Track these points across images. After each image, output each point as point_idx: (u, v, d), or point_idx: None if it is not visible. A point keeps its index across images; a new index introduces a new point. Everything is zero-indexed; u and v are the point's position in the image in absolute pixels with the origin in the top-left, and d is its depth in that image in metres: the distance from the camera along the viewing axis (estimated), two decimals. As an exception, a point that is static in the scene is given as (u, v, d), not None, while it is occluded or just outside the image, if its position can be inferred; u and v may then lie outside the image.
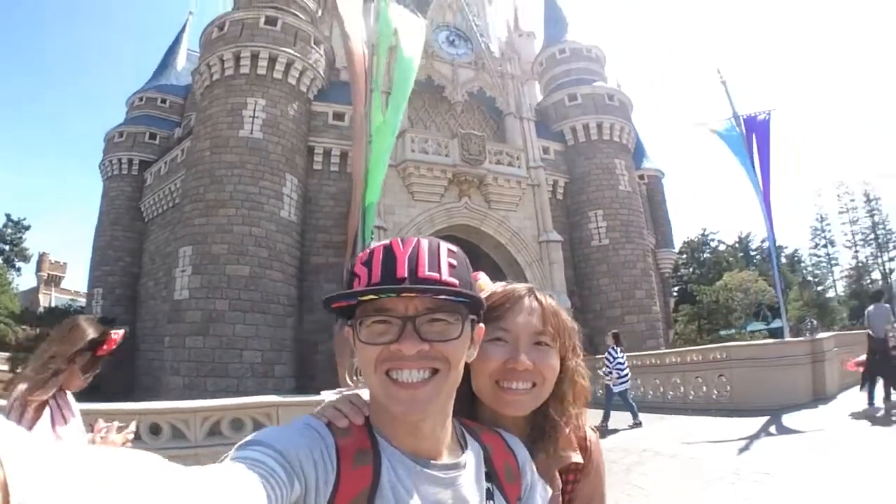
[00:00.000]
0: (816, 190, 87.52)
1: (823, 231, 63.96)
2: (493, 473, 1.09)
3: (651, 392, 15.70)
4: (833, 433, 9.05)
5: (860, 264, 61.30)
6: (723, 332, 41.76)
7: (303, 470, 0.85)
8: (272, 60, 22.74)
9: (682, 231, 65.98)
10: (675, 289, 47.99)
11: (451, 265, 0.99)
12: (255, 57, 22.62)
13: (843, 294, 62.47)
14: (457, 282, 0.97)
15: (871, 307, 10.91)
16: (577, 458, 1.36)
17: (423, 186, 23.95)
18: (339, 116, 24.29)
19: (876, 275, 59.76)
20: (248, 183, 20.70)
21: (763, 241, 61.09)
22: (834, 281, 64.17)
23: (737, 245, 64.92)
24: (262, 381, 18.18)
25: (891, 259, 58.89)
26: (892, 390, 10.10)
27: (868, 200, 60.62)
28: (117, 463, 0.52)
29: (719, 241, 64.26)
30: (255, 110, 21.91)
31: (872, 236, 60.28)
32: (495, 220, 25.64)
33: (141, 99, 33.86)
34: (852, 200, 61.44)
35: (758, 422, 10.56)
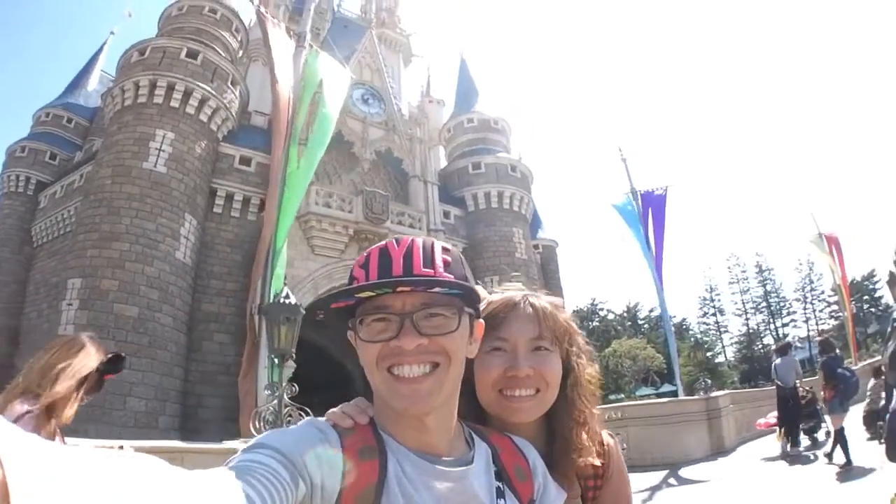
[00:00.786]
0: (707, 262, 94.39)
1: (713, 300, 69.43)
2: (502, 472, 1.11)
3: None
4: (737, 478, 9.95)
5: (751, 331, 66.47)
6: (612, 397, 43.57)
7: (307, 469, 0.87)
8: (187, 94, 22.69)
9: (573, 300, 69.09)
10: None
11: (445, 262, 1.03)
12: (170, 88, 22.53)
13: (732, 359, 67.13)
14: (451, 277, 1.01)
15: (778, 360, 11.79)
16: (594, 460, 1.38)
17: (324, 241, 24.39)
18: (245, 161, 24.45)
19: (768, 339, 64.76)
20: (146, 218, 20.21)
21: (651, 311, 65.40)
22: (723, 347, 69.26)
23: (625, 314, 68.58)
24: (146, 433, 17.12)
25: (784, 325, 65.65)
26: (802, 434, 11.26)
27: (760, 271, 67.35)
28: (118, 464, 0.53)
29: (608, 311, 67.87)
30: (162, 143, 21.65)
31: (764, 304, 65.88)
32: (394, 281, 26.45)
33: (47, 115, 33.08)
34: (744, 272, 67.35)
35: (658, 475, 11.23)
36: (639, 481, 10.58)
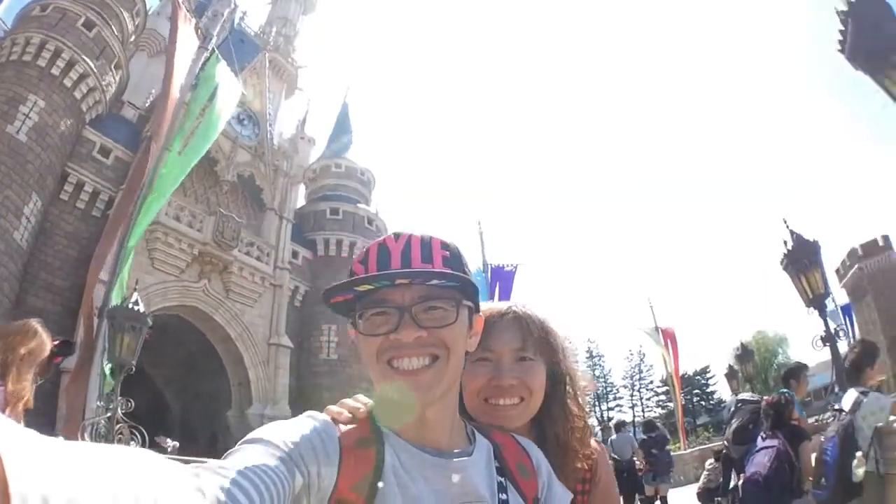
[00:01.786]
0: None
1: (541, 383, 74.89)
2: (505, 468, 1.13)
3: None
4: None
5: (577, 413, 72.88)
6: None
7: (303, 460, 0.87)
8: (70, 65, 21.75)
9: None
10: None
11: (444, 256, 1.05)
12: (56, 54, 21.49)
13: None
14: (450, 270, 1.02)
15: (614, 436, 12.72)
16: (584, 465, 1.43)
17: (166, 255, 23.37)
18: (105, 152, 23.31)
19: (592, 421, 69.33)
20: (-7, 187, 18.87)
21: None
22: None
23: None
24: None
25: (609, 408, 71.59)
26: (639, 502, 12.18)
27: (591, 356, 73.29)
28: (117, 458, 0.54)
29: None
30: (31, 110, 20.45)
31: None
32: (230, 312, 25.63)
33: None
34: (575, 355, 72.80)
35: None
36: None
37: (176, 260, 23.75)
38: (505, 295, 18.82)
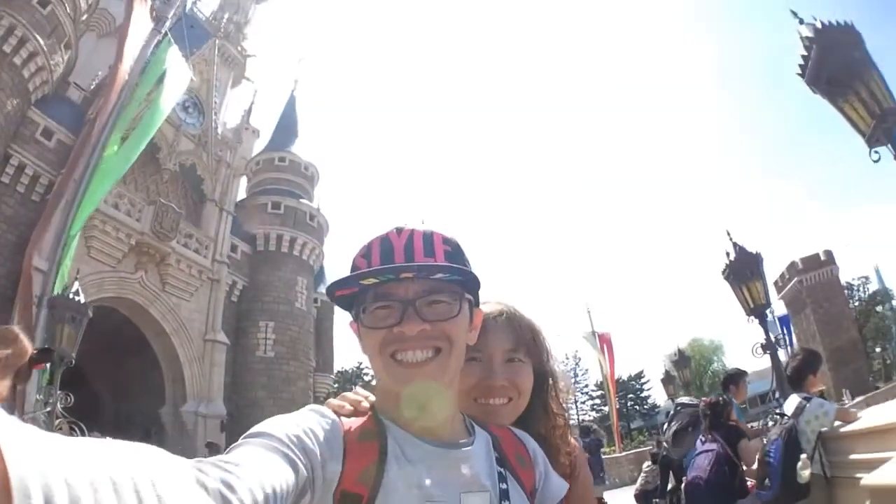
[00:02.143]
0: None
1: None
2: (504, 459, 1.15)
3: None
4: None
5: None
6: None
7: (306, 454, 0.88)
8: (21, 43, 20.99)
9: (341, 361, 69.53)
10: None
11: (445, 250, 1.08)
12: (9, 31, 20.70)
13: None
14: (449, 265, 1.06)
15: None
16: (563, 460, 1.47)
17: (103, 244, 22.79)
18: (47, 134, 22.50)
19: None
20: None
21: None
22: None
23: None
24: None
25: None
26: None
27: None
28: (119, 452, 0.55)
29: (373, 377, 68.83)
30: None
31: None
32: (166, 306, 25.26)
33: None
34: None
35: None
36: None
37: (113, 250, 23.21)
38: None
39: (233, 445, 0.83)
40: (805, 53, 5.03)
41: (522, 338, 1.44)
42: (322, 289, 36.46)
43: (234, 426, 25.28)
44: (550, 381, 1.52)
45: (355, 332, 1.10)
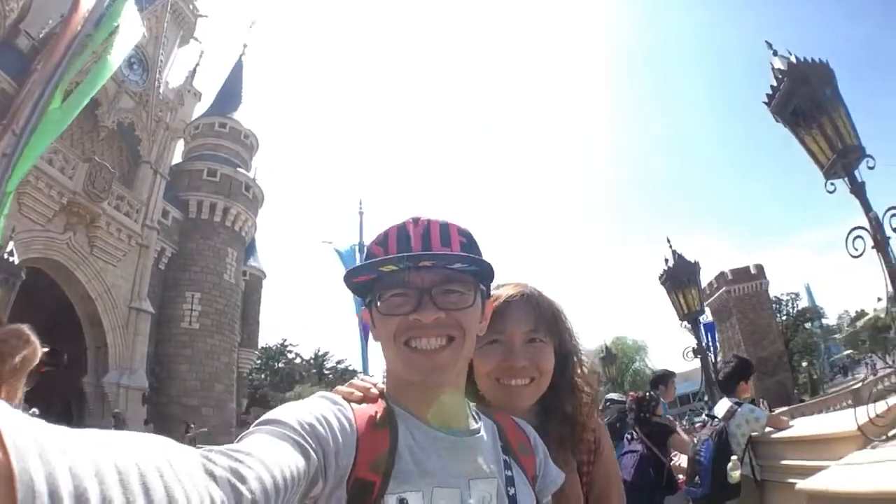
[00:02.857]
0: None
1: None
2: (508, 447, 1.19)
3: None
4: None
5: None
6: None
7: (318, 441, 0.89)
8: None
9: (266, 337, 68.16)
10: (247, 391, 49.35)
11: (461, 241, 1.11)
12: None
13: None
14: (468, 255, 1.08)
15: None
16: (588, 436, 1.55)
17: (34, 201, 22.21)
18: None
19: None
20: None
21: (339, 362, 66.78)
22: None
23: (312, 361, 68.80)
24: None
25: None
26: None
27: None
28: (125, 442, 0.53)
29: (297, 354, 67.71)
30: None
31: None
32: (92, 270, 24.89)
33: None
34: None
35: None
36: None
37: (44, 208, 22.75)
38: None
39: (244, 433, 0.85)
40: (774, 84, 5.33)
41: (543, 318, 1.49)
42: (252, 262, 36.24)
43: (156, 399, 25.31)
44: (575, 360, 1.58)
45: (367, 319, 1.14)
